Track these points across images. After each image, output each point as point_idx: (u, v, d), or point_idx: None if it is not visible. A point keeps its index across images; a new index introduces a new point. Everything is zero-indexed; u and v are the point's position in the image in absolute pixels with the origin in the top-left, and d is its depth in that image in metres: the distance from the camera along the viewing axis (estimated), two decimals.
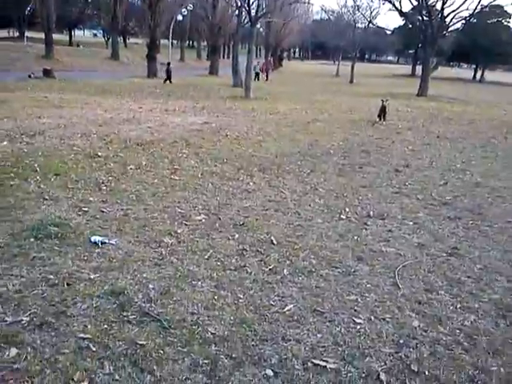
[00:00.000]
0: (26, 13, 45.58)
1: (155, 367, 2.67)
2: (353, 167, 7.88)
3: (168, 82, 25.73)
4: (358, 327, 3.19)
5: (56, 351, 2.76)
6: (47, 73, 23.71)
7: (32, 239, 4.32)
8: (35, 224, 4.64)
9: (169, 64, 27.13)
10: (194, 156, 8.11)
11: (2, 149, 7.94)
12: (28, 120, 11.02)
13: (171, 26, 38.10)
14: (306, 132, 11.11)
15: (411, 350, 2.97)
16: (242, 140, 9.78)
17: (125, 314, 3.20)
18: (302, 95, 22.19)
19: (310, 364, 2.77)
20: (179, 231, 4.75)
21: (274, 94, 21.94)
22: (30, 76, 23.06)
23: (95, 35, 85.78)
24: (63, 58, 35.98)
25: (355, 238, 4.81)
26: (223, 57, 56.63)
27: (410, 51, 71.55)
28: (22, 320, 3.05)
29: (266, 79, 31.70)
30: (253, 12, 20.20)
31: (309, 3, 51.41)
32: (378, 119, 13.67)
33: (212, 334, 3.02)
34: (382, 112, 13.72)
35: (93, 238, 4.42)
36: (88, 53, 42.02)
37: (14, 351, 2.74)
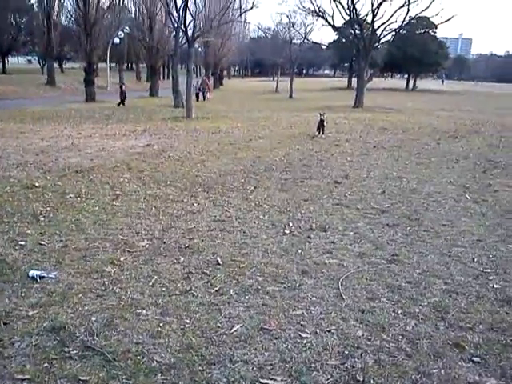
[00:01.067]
0: None
1: None
2: (295, 181, 8.02)
3: (122, 104, 25.28)
4: (305, 341, 3.22)
5: None
6: None
7: None
8: None
9: (121, 86, 26.74)
10: (136, 180, 8.00)
11: None
12: None
13: (108, 49, 37.69)
14: (248, 149, 11.22)
15: (356, 360, 3.03)
16: (185, 160, 9.74)
17: (66, 349, 3.09)
18: (244, 113, 22.42)
19: None
20: (122, 259, 4.65)
21: (215, 112, 22.05)
22: None
23: (30, 61, 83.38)
24: None
25: (299, 251, 4.88)
26: (163, 78, 56.39)
27: (345, 64, 73.99)
28: None
29: (204, 99, 31.78)
30: (190, 32, 20.29)
31: (245, 22, 52.25)
32: (317, 133, 13.99)
33: (158, 362, 2.97)
34: (321, 125, 14.06)
35: (31, 273, 4.25)
36: (23, 80, 40.71)
37: None
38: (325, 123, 14.10)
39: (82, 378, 2.80)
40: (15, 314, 3.55)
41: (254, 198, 6.96)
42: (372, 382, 2.81)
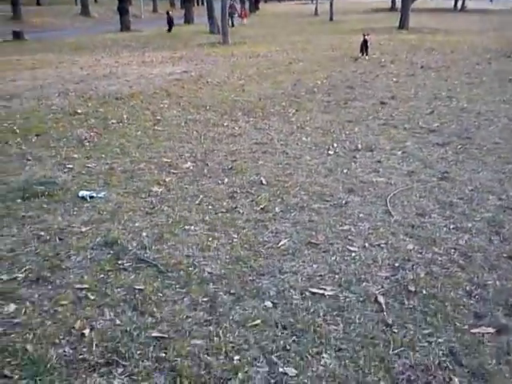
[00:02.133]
0: None
1: (155, 309, 2.68)
2: (338, 103, 7.77)
3: (169, 31, 25.78)
4: (353, 255, 3.21)
5: (55, 303, 2.76)
6: (17, 35, 22.79)
7: (19, 200, 4.26)
8: (21, 184, 4.56)
9: (168, 13, 26.76)
10: (175, 106, 7.94)
11: None
12: (2, 84, 10.68)
13: None
14: (288, 73, 10.89)
15: (407, 272, 3.00)
16: (224, 86, 9.57)
17: (120, 262, 3.19)
18: (282, 37, 21.61)
19: (307, 293, 2.80)
20: (167, 180, 4.69)
21: (252, 37, 21.35)
22: None
23: None
24: (32, 19, 34.51)
25: (345, 171, 4.79)
26: (197, 4, 54.68)
27: None
28: (18, 277, 3.04)
29: (232, 25, 30.64)
30: None
31: None
32: (360, 54, 13.40)
33: (209, 273, 3.03)
34: (364, 46, 13.43)
35: (81, 193, 4.36)
36: (57, 11, 40.33)
37: (12, 307, 2.73)
38: (368, 44, 13.44)
39: (137, 287, 2.89)
40: (69, 231, 3.67)
41: (295, 120, 6.81)
42: (424, 292, 2.79)
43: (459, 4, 59.73)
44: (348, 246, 3.32)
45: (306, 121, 6.75)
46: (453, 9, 57.68)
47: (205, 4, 32.89)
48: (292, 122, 6.70)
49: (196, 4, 50.94)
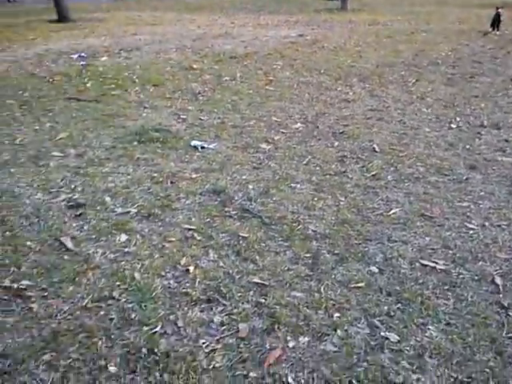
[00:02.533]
0: None
1: (257, 257, 2.67)
2: (463, 77, 7.19)
3: None
4: (471, 232, 2.96)
5: (163, 239, 2.85)
6: None
7: (135, 142, 4.46)
8: (137, 129, 4.78)
9: None
10: (288, 67, 7.84)
11: (102, 63, 8.20)
12: (124, 37, 11.26)
13: None
14: (409, 42, 10.29)
15: None
16: (340, 51, 9.27)
17: (226, 209, 3.22)
18: (404, 6, 20.44)
19: (417, 264, 2.63)
20: (276, 138, 4.65)
21: (372, 5, 20.46)
22: None
23: None
24: None
25: (467, 147, 4.42)
26: None
27: None
28: (131, 211, 3.18)
29: None
30: None
31: None
32: (490, 29, 12.27)
33: (313, 231, 2.96)
34: (496, 21, 12.26)
35: (193, 143, 4.46)
36: None
37: (124, 237, 2.87)
38: (501, 19, 12.26)
39: (241, 234, 2.90)
40: (180, 176, 3.78)
41: (415, 90, 6.42)
42: None
43: None
44: (466, 223, 3.07)
45: (426, 92, 6.33)
46: None
47: None
48: (411, 92, 6.32)
49: None
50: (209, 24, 13.73)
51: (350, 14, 16.42)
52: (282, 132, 4.85)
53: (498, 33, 12.01)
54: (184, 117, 5.31)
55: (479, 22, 14.03)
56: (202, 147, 4.38)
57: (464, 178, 3.75)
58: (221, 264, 2.61)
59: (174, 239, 2.85)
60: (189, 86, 6.69)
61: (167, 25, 13.66)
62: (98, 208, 3.22)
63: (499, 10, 12.27)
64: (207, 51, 9.36)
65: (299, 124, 5.10)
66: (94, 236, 2.87)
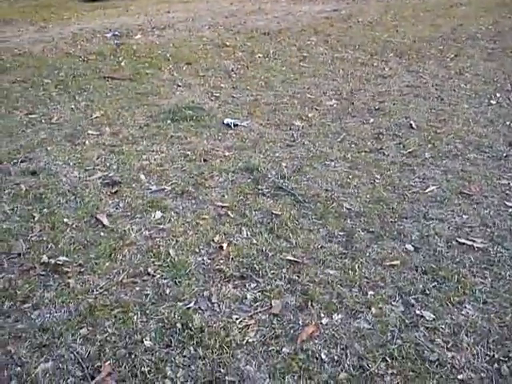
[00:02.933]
0: None
1: (291, 235, 2.66)
2: (504, 51, 6.90)
3: None
4: (510, 211, 2.87)
5: (197, 216, 2.88)
6: None
7: (169, 121, 4.48)
8: (171, 107, 4.80)
9: None
10: (322, 43, 7.69)
11: (136, 41, 8.23)
12: (157, 15, 11.24)
13: None
14: (448, 16, 9.91)
15: None
16: (376, 26, 9.02)
17: (259, 187, 3.22)
18: None
19: (454, 242, 2.57)
20: (310, 115, 4.59)
21: None
22: None
23: None
24: None
25: (507, 123, 4.27)
26: None
27: None
28: (165, 189, 3.22)
29: None
30: None
31: None
32: None
33: (347, 209, 2.93)
34: None
35: (226, 121, 4.45)
36: None
37: (158, 214, 2.90)
38: None
39: (274, 211, 2.90)
40: (213, 154, 3.78)
41: (454, 66, 6.20)
42: None
43: None
44: (505, 201, 2.98)
45: (465, 67, 6.11)
46: None
47: None
48: (450, 68, 6.11)
49: None
50: (241, 0, 13.55)
51: None
52: (316, 109, 4.79)
53: None
54: (217, 95, 5.30)
55: None
56: (235, 125, 4.37)
57: (504, 154, 3.63)
58: (254, 241, 2.61)
59: (207, 217, 2.86)
60: (222, 63, 6.65)
61: (200, 2, 13.55)
62: (133, 186, 3.26)
63: None
64: (240, 28, 9.26)
65: (334, 101, 5.01)
66: (129, 213, 2.92)
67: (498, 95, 5.02)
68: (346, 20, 9.69)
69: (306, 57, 6.86)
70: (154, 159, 3.69)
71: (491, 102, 4.83)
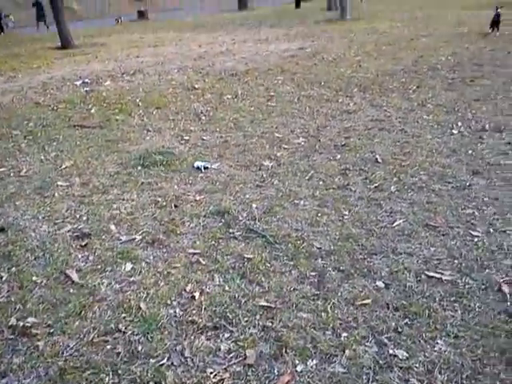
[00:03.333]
0: None
1: (263, 279, 2.67)
2: (464, 81, 7.18)
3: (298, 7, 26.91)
4: (476, 240, 2.94)
5: (168, 265, 2.87)
6: (141, 14, 24.21)
7: (139, 167, 4.50)
8: (141, 153, 4.82)
9: None
10: (289, 82, 7.88)
11: (106, 88, 8.31)
12: (127, 60, 11.41)
13: None
14: (409, 49, 10.30)
15: None
16: (340, 62, 9.31)
17: (231, 231, 3.23)
18: (403, 12, 20.47)
19: (423, 276, 2.61)
20: (278, 154, 4.67)
21: (371, 13, 20.49)
22: (117, 21, 23.42)
23: None
24: None
25: (469, 152, 4.41)
26: None
27: None
28: (135, 238, 3.20)
29: None
30: None
31: None
32: (490, 30, 12.22)
33: (318, 248, 2.96)
34: (496, 21, 12.18)
35: (196, 164, 4.49)
36: None
37: (129, 266, 2.88)
38: (501, 19, 12.22)
39: (246, 255, 2.91)
40: (184, 198, 3.80)
41: (416, 97, 6.41)
42: None
43: None
44: (470, 231, 3.05)
45: (427, 98, 6.32)
46: None
47: None
48: (412, 99, 6.32)
49: None
50: (210, 42, 13.86)
51: (349, 24, 16.48)
52: (285, 148, 4.87)
53: (497, 34, 11.97)
54: (187, 138, 5.35)
55: (478, 24, 14.00)
56: (205, 168, 4.42)
57: (467, 184, 3.74)
58: (226, 288, 2.61)
59: (179, 265, 2.86)
60: (191, 106, 6.75)
61: (169, 45, 13.83)
62: (103, 237, 3.24)
63: (499, 10, 12.23)
64: (208, 70, 9.45)
65: (301, 138, 5.11)
66: (99, 266, 2.89)
67: (459, 124, 5.19)
68: (312, 57, 9.98)
69: (274, 96, 7.01)
70: (125, 208, 3.68)
71: (453, 131, 4.99)
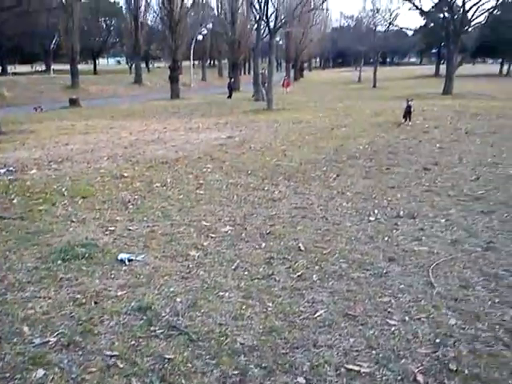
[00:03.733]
0: (52, 46, 47.07)
1: (183, 381, 2.60)
2: (380, 169, 7.71)
3: (229, 97, 28.23)
4: (393, 329, 3.05)
5: (83, 370, 2.72)
6: (73, 102, 24.33)
7: (60, 261, 4.34)
8: (63, 246, 4.67)
9: (231, 78, 29.05)
10: (218, 170, 8.10)
11: (31, 176, 8.12)
12: (56, 148, 11.28)
13: (192, 47, 38.74)
14: (330, 138, 11.00)
15: (449, 348, 2.82)
16: (266, 151, 9.73)
17: (152, 328, 3.15)
18: (325, 103, 22.07)
19: (343, 369, 2.65)
20: (205, 244, 4.70)
21: (296, 104, 21.90)
22: (35, 109, 22.93)
23: (119, 62, 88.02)
24: (89, 87, 36.93)
25: (386, 238, 4.66)
26: (244, 73, 57.06)
27: (433, 51, 70.61)
28: (50, 341, 3.04)
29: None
30: (271, 24, 20.32)
31: (327, 10, 51.47)
32: (403, 120, 13.41)
33: (241, 344, 2.94)
34: (408, 112, 13.44)
35: (120, 256, 4.41)
36: (113, 79, 43.03)
37: (41, 372, 2.71)
38: (412, 110, 13.47)
39: (167, 356, 2.83)
40: (105, 294, 3.68)
41: (336, 185, 6.78)
42: (466, 371, 2.59)
43: (505, 69, 59.52)
44: (387, 320, 3.17)
45: (346, 186, 6.71)
46: (498, 74, 57.63)
47: (251, 72, 34.38)
48: (332, 187, 6.67)
49: (243, 73, 53.22)
50: (141, 130, 14.08)
51: (275, 114, 17.45)
52: (212, 236, 4.92)
53: (410, 123, 13.12)
54: (112, 228, 5.28)
55: (393, 114, 15.32)
56: (130, 260, 4.34)
57: (384, 271, 3.92)
58: None
59: (94, 369, 2.72)
60: (119, 195, 6.71)
61: (100, 132, 13.88)
62: (15, 340, 3.05)
63: (410, 103, 13.50)
64: (139, 158, 9.52)
65: (228, 227, 5.19)
66: (8, 374, 2.70)
67: (376, 212, 5.51)
68: (240, 146, 10.37)
69: (203, 184, 7.15)
70: (40, 307, 3.50)
71: (370, 218, 5.28)
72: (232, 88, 28.91)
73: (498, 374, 2.58)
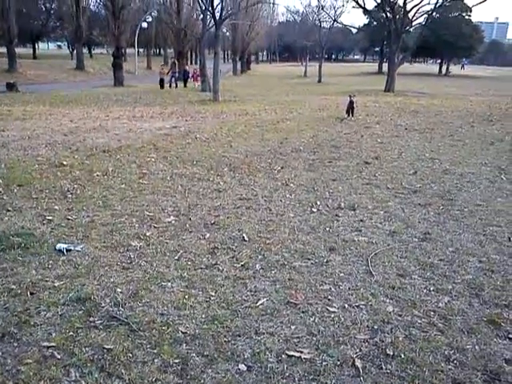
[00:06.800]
0: None
1: (123, 371, 2.56)
2: (323, 162, 7.87)
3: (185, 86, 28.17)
4: (332, 316, 3.14)
5: (18, 362, 2.63)
6: (10, 86, 23.13)
7: None
8: None
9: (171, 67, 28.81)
10: (162, 160, 7.98)
11: None
12: None
13: (136, 34, 37.84)
14: (275, 131, 11.09)
15: (386, 334, 2.93)
16: (212, 142, 9.68)
17: (91, 319, 3.08)
18: (271, 96, 22.21)
19: (284, 356, 2.70)
20: (148, 234, 4.63)
21: (242, 96, 21.91)
22: None
23: (59, 47, 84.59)
24: (27, 71, 35.23)
25: (327, 229, 4.77)
26: (191, 62, 56.37)
27: (376, 48, 72.67)
28: None
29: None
30: (217, 15, 20.13)
31: (273, 4, 51.69)
32: (346, 115, 13.74)
33: (183, 333, 2.93)
34: (350, 108, 13.79)
35: (58, 246, 4.27)
36: (53, 65, 41.30)
37: None
38: (354, 105, 13.82)
39: (106, 346, 2.78)
40: (42, 285, 3.56)
41: (280, 177, 6.86)
42: (403, 356, 2.71)
43: (444, 69, 62.21)
44: (327, 307, 3.25)
45: (290, 178, 6.80)
46: (437, 74, 60.14)
47: (198, 62, 33.97)
48: (277, 179, 6.74)
49: (190, 63, 52.56)
50: (82, 117, 13.61)
51: (221, 105, 17.38)
52: (155, 227, 4.85)
53: (352, 119, 13.45)
54: (50, 218, 5.09)
55: (337, 109, 15.65)
56: (68, 250, 4.20)
57: (325, 260, 4.01)
58: (83, 383, 2.45)
59: (30, 361, 2.63)
60: (57, 183, 6.47)
61: (38, 119, 13.29)
62: None
63: (352, 98, 13.83)
64: (79, 146, 9.21)
65: (172, 217, 5.14)
66: None
67: (318, 203, 5.62)
68: (185, 136, 10.26)
69: (146, 174, 7.02)
70: None
71: (313, 209, 5.39)
72: (177, 78, 28.49)
73: (432, 358, 2.71)
